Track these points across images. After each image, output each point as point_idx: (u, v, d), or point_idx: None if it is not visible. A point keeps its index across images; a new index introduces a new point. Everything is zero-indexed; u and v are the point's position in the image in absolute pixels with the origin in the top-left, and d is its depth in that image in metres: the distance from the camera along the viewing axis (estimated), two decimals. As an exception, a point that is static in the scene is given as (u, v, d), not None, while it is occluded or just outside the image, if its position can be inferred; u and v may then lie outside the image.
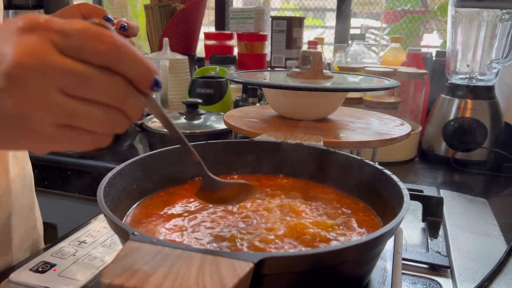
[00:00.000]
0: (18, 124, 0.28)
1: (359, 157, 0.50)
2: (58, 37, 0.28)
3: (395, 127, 0.69)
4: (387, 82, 0.73)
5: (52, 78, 0.27)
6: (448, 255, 0.60)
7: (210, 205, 0.46)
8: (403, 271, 0.52)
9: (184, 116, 1.01)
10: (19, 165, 0.59)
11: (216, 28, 1.78)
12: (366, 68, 1.17)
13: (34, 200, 0.65)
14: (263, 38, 1.53)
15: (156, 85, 0.31)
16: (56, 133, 0.29)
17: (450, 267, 0.57)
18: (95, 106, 0.29)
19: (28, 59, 0.27)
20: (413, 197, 0.70)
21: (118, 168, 0.44)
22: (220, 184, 0.41)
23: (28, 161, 0.64)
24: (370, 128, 0.68)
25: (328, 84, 0.71)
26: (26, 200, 0.61)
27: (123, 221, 0.43)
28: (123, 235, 0.31)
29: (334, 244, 0.39)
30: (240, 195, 0.42)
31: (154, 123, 1.00)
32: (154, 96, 0.33)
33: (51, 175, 1.04)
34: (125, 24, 0.51)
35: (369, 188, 0.48)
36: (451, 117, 1.05)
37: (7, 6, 1.32)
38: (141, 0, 2.08)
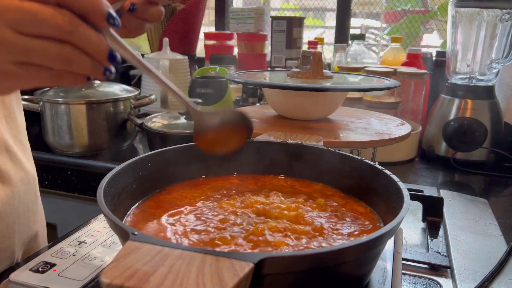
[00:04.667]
0: None
1: (359, 157, 0.50)
2: None
3: (395, 127, 0.69)
4: (387, 82, 0.73)
5: (4, 17, 0.30)
6: (448, 255, 0.60)
7: (204, 150, 0.43)
8: (403, 271, 0.52)
9: (184, 116, 1.01)
10: (22, 169, 0.58)
11: (216, 28, 1.78)
12: (366, 68, 1.17)
13: (38, 204, 0.64)
14: (263, 38, 1.53)
15: (111, 17, 0.33)
16: (16, 70, 0.32)
17: (450, 267, 0.57)
18: (47, 41, 0.31)
19: None
20: (413, 197, 0.70)
21: (118, 168, 0.44)
22: (211, 117, 0.41)
23: (32, 164, 0.63)
24: (370, 128, 0.68)
25: (328, 84, 0.71)
26: (30, 204, 0.60)
27: (123, 221, 0.43)
28: (123, 235, 0.31)
29: (334, 245, 0.39)
30: (237, 133, 0.41)
31: (154, 123, 1.00)
32: (112, 31, 0.34)
33: (51, 175, 1.04)
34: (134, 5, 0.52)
35: (369, 188, 0.48)
36: (451, 117, 1.05)
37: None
38: (141, 0, 2.08)
